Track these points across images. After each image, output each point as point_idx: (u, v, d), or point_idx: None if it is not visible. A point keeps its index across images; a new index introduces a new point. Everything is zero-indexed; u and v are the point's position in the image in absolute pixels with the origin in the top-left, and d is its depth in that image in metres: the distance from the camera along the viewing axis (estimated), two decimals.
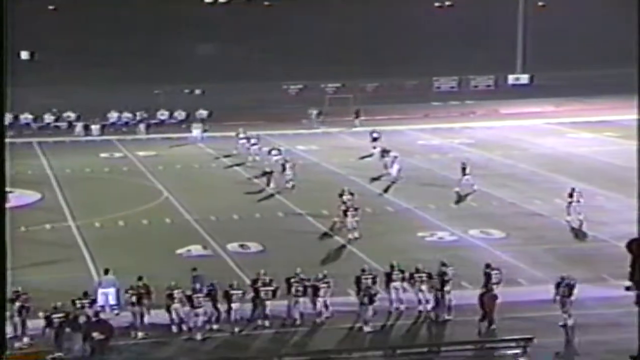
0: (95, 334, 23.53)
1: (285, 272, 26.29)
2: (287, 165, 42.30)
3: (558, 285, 25.26)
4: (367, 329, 25.05)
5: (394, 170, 43.25)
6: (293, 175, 41.81)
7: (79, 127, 57.10)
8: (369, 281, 25.98)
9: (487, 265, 26.67)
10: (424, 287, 26.12)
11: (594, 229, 34.47)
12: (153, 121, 59.22)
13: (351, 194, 36.14)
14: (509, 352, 23.57)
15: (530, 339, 23.76)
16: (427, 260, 27.57)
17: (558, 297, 25.16)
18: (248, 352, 23.91)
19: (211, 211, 37.51)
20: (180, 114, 59.95)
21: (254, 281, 25.75)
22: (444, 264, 26.50)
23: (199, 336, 24.47)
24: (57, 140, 54.11)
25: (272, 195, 40.94)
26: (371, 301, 25.26)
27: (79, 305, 24.26)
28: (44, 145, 52.97)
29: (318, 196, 39.26)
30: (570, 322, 24.80)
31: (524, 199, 39.48)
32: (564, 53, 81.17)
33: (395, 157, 43.87)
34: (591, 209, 36.21)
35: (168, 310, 24.82)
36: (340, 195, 35.85)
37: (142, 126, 57.90)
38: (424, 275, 26.19)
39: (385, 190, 41.75)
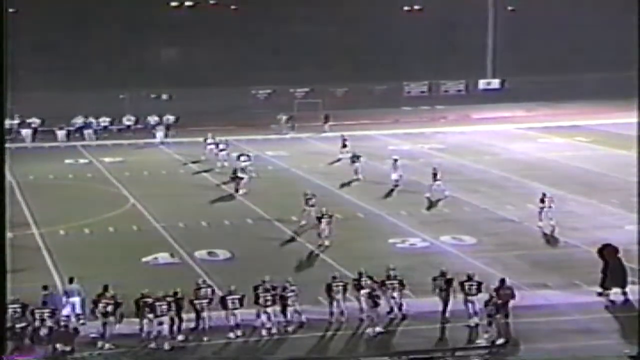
0: (58, 345, 23.03)
1: (255, 279, 25.76)
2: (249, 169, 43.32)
3: (486, 304, 24.86)
4: (377, 329, 24.78)
5: (396, 175, 42.64)
6: (248, 180, 42.14)
7: (24, 132, 56.14)
8: (340, 288, 25.64)
9: (469, 277, 26.01)
10: (395, 294, 25.76)
11: (565, 235, 34.23)
12: (117, 127, 58.63)
13: (314, 195, 35.91)
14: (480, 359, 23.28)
15: (502, 346, 23.63)
16: (398, 266, 27.13)
17: (485, 315, 24.75)
18: None
19: (179, 218, 36.94)
20: (149, 119, 59.23)
21: (196, 291, 25.22)
22: (391, 269, 26.22)
23: (166, 346, 23.94)
24: (19, 146, 53.23)
25: (240, 201, 40.47)
26: (375, 304, 24.95)
27: (37, 317, 23.72)
28: (5, 151, 51.97)
29: (287, 202, 38.77)
30: (500, 341, 24.21)
31: (495, 205, 39.21)
32: (535, 58, 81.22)
33: (396, 160, 43.39)
34: (563, 214, 36.00)
35: (141, 319, 24.34)
36: (307, 200, 35.66)
37: (88, 132, 57.15)
38: (395, 282, 25.83)
39: (389, 194, 41.32)
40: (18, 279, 25.43)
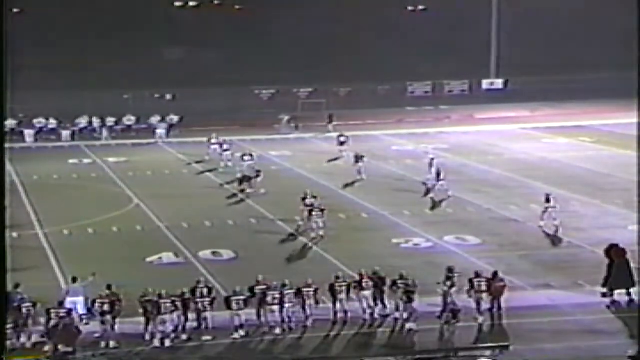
0: (60, 346, 23.11)
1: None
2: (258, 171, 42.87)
3: (443, 310, 24.87)
4: (410, 326, 24.82)
5: (433, 173, 41.94)
6: (255, 180, 41.98)
7: (26, 132, 56.07)
8: (344, 288, 25.66)
9: (477, 274, 26.03)
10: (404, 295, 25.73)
11: (569, 235, 34.19)
12: (120, 126, 58.64)
13: (314, 197, 35.83)
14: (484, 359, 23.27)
15: (506, 347, 23.54)
16: (402, 267, 27.17)
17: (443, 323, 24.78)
18: None
19: (183, 218, 36.97)
20: (151, 119, 59.22)
21: (193, 291, 25.20)
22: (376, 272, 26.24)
23: (167, 343, 23.98)
24: (23, 147, 53.30)
25: (244, 200, 40.50)
26: (410, 300, 24.98)
27: (53, 315, 23.81)
28: (10, 151, 51.93)
29: (290, 202, 38.66)
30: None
31: (499, 205, 39.18)
32: (538, 58, 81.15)
33: (432, 159, 43.24)
34: (566, 214, 35.94)
35: (146, 318, 24.38)
36: (303, 199, 35.58)
37: (105, 131, 57.24)
38: (408, 281, 25.72)
39: (426, 194, 40.74)
40: (22, 278, 25.59)
